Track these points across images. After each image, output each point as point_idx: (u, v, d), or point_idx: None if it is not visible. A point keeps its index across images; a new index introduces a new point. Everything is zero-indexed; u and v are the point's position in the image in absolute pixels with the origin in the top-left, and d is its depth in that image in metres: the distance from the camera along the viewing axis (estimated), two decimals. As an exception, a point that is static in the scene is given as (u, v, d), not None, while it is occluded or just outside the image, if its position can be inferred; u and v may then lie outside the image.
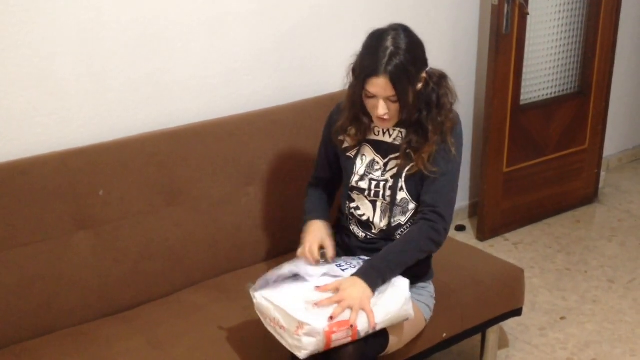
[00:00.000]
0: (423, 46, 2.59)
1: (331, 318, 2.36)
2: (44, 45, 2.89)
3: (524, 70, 4.52)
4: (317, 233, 2.71)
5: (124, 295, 2.97)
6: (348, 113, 2.70)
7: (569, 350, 3.58)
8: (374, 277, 2.50)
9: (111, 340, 2.73)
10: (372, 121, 2.66)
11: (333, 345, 2.37)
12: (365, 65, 2.49)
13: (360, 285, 2.46)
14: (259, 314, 2.54)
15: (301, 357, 2.37)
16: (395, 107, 2.52)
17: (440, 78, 2.65)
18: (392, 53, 2.45)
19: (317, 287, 2.51)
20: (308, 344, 2.34)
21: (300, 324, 2.33)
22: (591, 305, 3.97)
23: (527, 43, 4.47)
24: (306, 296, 2.46)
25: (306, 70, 3.74)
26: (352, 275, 2.52)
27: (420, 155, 2.60)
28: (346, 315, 2.39)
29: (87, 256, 2.88)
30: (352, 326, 2.38)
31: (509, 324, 3.68)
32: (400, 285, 2.55)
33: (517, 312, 3.31)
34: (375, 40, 2.52)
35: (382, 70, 2.44)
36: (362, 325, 2.41)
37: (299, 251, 2.67)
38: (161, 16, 3.17)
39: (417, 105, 2.59)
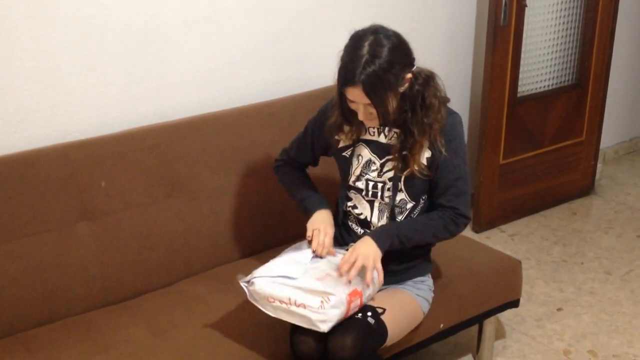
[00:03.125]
0: (406, 47, 2.52)
1: (349, 282, 2.46)
2: (47, 40, 2.91)
3: (522, 62, 4.53)
4: (330, 228, 2.70)
5: (125, 285, 2.99)
6: (337, 113, 2.66)
7: (566, 341, 3.60)
8: (385, 241, 2.57)
9: (113, 328, 2.76)
10: (359, 124, 2.66)
11: (349, 315, 2.45)
12: (342, 73, 2.47)
13: (372, 244, 2.54)
14: (255, 302, 2.51)
15: (325, 330, 2.39)
16: (373, 111, 2.50)
17: (427, 78, 2.58)
18: (367, 61, 2.41)
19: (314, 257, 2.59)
20: (334, 316, 2.38)
21: (326, 296, 2.37)
22: (588, 297, 3.99)
23: (524, 35, 4.47)
24: (312, 273, 2.50)
25: (303, 64, 3.75)
26: (365, 235, 2.60)
27: (413, 157, 2.59)
28: (354, 284, 2.47)
29: (89, 246, 2.90)
30: (361, 297, 2.48)
31: (506, 315, 3.71)
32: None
33: (514, 304, 3.33)
34: (353, 45, 2.48)
35: (356, 79, 2.41)
36: (365, 296, 2.51)
37: (312, 241, 2.65)
38: (161, 11, 3.19)
39: (402, 106, 2.56)
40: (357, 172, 2.72)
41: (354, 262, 2.49)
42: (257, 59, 3.57)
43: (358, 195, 2.75)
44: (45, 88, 2.95)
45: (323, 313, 2.37)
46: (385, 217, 2.72)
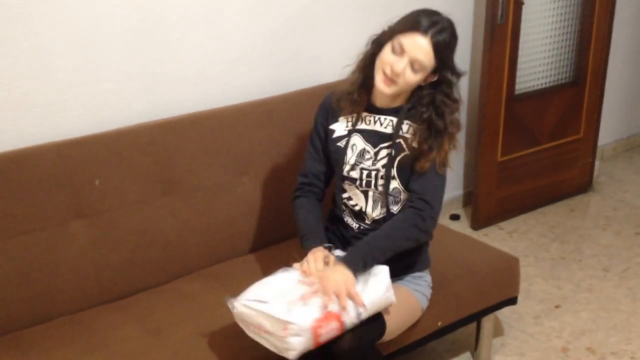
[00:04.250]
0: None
1: (325, 307, 2.35)
2: (41, 37, 2.89)
3: (519, 59, 4.53)
4: (317, 252, 2.61)
5: (120, 284, 2.98)
6: (355, 79, 2.69)
7: (564, 339, 3.59)
8: (356, 262, 2.50)
9: (108, 328, 2.74)
10: (364, 103, 2.69)
11: (322, 340, 2.35)
12: (414, 19, 2.51)
13: (342, 271, 2.45)
14: (240, 324, 2.48)
15: (291, 358, 2.34)
16: (410, 75, 2.53)
17: (450, 83, 2.67)
18: (442, 28, 2.49)
19: (300, 280, 2.49)
20: (296, 344, 2.31)
21: (285, 325, 2.30)
22: (586, 294, 3.98)
23: (522, 32, 4.46)
24: (288, 296, 2.41)
25: (301, 61, 3.74)
26: (337, 263, 2.52)
27: (428, 158, 2.59)
28: (331, 308, 2.37)
29: (83, 245, 2.88)
30: (338, 319, 2.37)
31: (504, 313, 3.71)
32: (380, 273, 2.55)
33: (512, 301, 3.32)
34: (427, 12, 2.54)
35: (430, 33, 2.47)
36: (348, 316, 2.40)
37: (300, 268, 2.56)
38: (157, 8, 3.17)
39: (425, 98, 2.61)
40: (352, 161, 2.72)
41: (325, 292, 2.40)
42: (254, 56, 3.56)
43: (352, 185, 2.74)
44: (38, 85, 2.93)
45: (285, 342, 2.31)
46: (379, 207, 2.71)
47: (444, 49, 2.50)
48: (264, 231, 3.34)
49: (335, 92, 2.80)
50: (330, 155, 2.82)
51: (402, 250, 2.64)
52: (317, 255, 2.58)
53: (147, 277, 3.04)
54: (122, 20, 3.08)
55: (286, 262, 2.67)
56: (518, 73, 4.56)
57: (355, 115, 2.74)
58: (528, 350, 3.51)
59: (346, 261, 2.50)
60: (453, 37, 2.55)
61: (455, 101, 2.66)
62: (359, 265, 2.51)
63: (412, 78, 2.54)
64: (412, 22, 2.50)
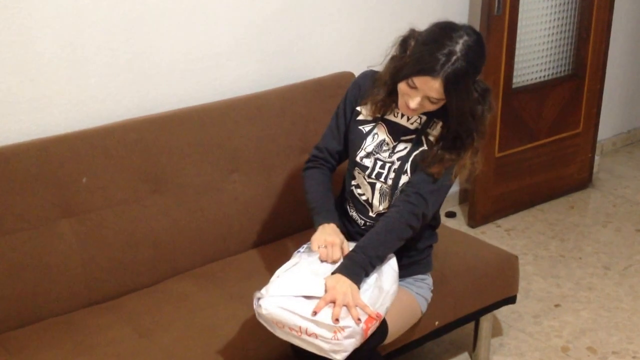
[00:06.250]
0: (485, 58, 2.48)
1: (337, 320, 2.31)
2: (25, 30, 2.85)
3: (516, 52, 4.50)
4: (334, 237, 2.58)
5: (109, 284, 2.94)
6: (384, 87, 2.61)
7: (564, 338, 3.56)
8: (357, 272, 2.45)
9: (97, 329, 2.71)
10: (394, 102, 2.61)
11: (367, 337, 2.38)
12: (424, 59, 2.38)
13: (345, 282, 2.39)
14: (265, 323, 2.40)
15: (341, 359, 2.33)
16: (430, 106, 2.46)
17: (484, 91, 2.53)
18: (457, 59, 2.34)
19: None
20: (349, 345, 2.30)
21: (340, 328, 2.28)
22: (586, 292, 3.95)
23: (519, 24, 4.43)
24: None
25: (291, 54, 3.70)
26: (334, 272, 2.46)
27: (444, 165, 2.55)
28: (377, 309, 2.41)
29: (71, 245, 2.84)
30: (379, 317, 2.40)
31: (503, 312, 3.68)
32: (390, 264, 2.59)
33: (511, 300, 3.29)
34: (445, 36, 2.39)
35: (440, 73, 2.34)
36: (384, 312, 2.46)
37: (320, 251, 2.54)
38: (144, 1, 3.12)
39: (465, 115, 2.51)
40: (369, 149, 2.66)
41: (334, 303, 2.35)
42: (244, 50, 3.52)
43: (361, 175, 2.70)
44: (23, 81, 2.89)
45: (336, 344, 2.29)
46: (386, 201, 2.65)
47: (458, 78, 2.36)
48: (255, 230, 3.30)
49: (368, 86, 2.72)
50: (348, 135, 2.76)
51: (395, 249, 2.61)
52: (334, 242, 2.55)
53: (137, 277, 3.00)
54: (107, 14, 3.04)
55: (280, 261, 2.62)
56: (515, 66, 4.53)
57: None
58: (527, 350, 3.48)
59: (347, 272, 2.43)
60: (473, 62, 2.40)
61: (489, 110, 2.57)
62: (361, 276, 2.46)
63: (432, 107, 2.48)
64: (422, 63, 2.38)
